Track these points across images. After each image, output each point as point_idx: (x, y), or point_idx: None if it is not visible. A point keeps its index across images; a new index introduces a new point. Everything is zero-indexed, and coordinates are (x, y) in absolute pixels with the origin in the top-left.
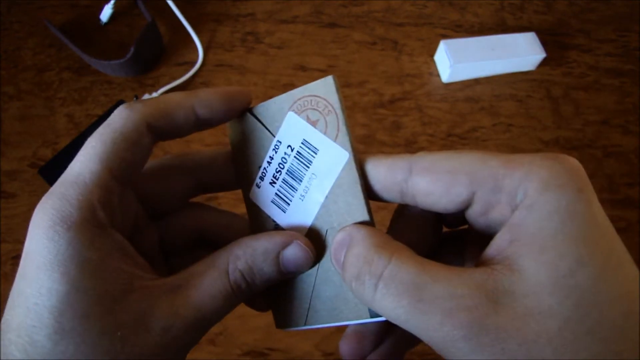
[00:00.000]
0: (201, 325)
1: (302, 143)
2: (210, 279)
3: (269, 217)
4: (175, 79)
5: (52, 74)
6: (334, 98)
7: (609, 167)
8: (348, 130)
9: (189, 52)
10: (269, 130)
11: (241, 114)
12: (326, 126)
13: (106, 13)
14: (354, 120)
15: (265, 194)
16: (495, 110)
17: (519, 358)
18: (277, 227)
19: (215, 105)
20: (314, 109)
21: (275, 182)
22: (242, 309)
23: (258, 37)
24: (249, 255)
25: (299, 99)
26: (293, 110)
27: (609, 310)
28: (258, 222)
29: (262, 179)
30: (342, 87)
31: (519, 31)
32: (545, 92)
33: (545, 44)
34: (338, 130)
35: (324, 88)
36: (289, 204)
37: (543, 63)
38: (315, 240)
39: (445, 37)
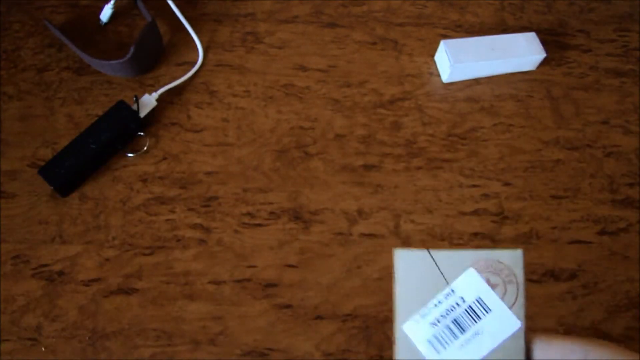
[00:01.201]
0: None
1: (476, 299)
2: None
3: (419, 351)
4: (175, 79)
5: (52, 74)
6: (519, 270)
7: (609, 167)
8: (525, 303)
9: (189, 52)
10: (443, 277)
11: (420, 253)
12: (504, 293)
13: (106, 13)
14: (354, 120)
15: (423, 331)
16: (496, 110)
17: None
18: None
19: None
20: (496, 274)
21: (437, 325)
22: (242, 308)
23: (258, 37)
24: None
25: (483, 260)
26: (474, 268)
27: None
28: (406, 350)
29: (423, 316)
30: (342, 87)
31: (519, 31)
32: (546, 92)
33: (545, 44)
34: (516, 300)
35: (512, 259)
36: (444, 349)
37: (543, 63)
38: None
39: (445, 37)
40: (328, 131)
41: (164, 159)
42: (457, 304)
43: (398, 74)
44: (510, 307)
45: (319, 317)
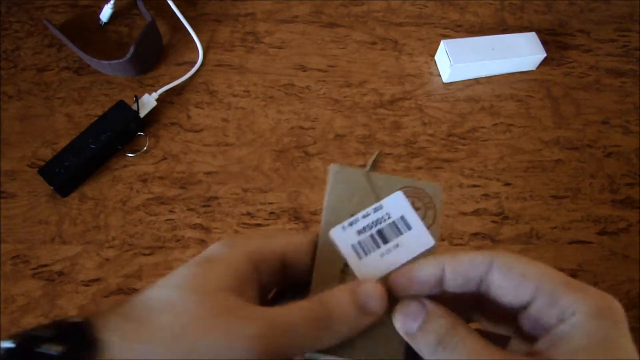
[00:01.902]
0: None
1: (400, 217)
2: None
3: (342, 256)
4: (175, 78)
5: (52, 73)
6: (438, 200)
7: (609, 167)
8: (439, 229)
9: (189, 52)
10: (375, 194)
11: (357, 172)
12: (424, 216)
13: (106, 13)
14: (354, 120)
15: (349, 237)
16: (496, 110)
17: None
18: (345, 266)
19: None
20: (419, 200)
21: (362, 233)
22: None
23: (258, 37)
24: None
25: (410, 187)
26: (402, 192)
27: None
28: (327, 255)
29: (351, 224)
30: (342, 87)
31: (519, 31)
32: (546, 92)
33: (545, 44)
34: (433, 223)
35: (433, 191)
36: (366, 255)
37: (543, 63)
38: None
39: (445, 37)
40: (328, 131)
41: (164, 159)
42: (383, 218)
43: (398, 74)
44: (428, 228)
45: None
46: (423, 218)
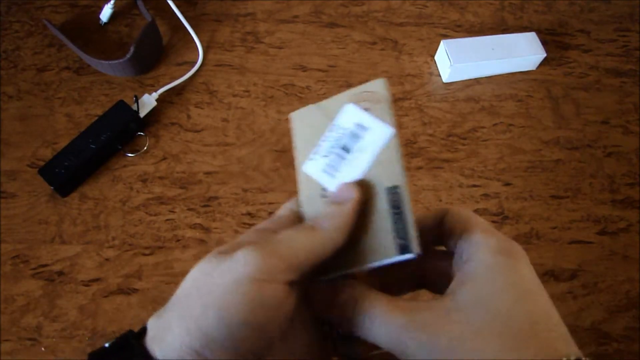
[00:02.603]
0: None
1: (355, 124)
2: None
3: (319, 184)
4: (175, 78)
5: (52, 73)
6: (384, 92)
7: (609, 167)
8: (394, 118)
9: (189, 52)
10: (329, 119)
11: (309, 109)
12: (377, 112)
13: (106, 13)
14: None
15: (318, 165)
16: (496, 110)
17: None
18: (323, 190)
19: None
20: (367, 101)
21: (328, 156)
22: None
23: (258, 37)
24: None
25: (355, 95)
26: (351, 103)
27: (518, 322)
28: (307, 189)
29: (315, 153)
30: (342, 87)
31: (519, 31)
32: (546, 92)
33: (545, 44)
34: (386, 112)
35: (376, 85)
36: (338, 171)
37: (543, 63)
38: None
39: (445, 37)
40: None
41: (164, 159)
42: (342, 134)
43: (398, 74)
44: (382, 121)
45: None
46: (376, 114)
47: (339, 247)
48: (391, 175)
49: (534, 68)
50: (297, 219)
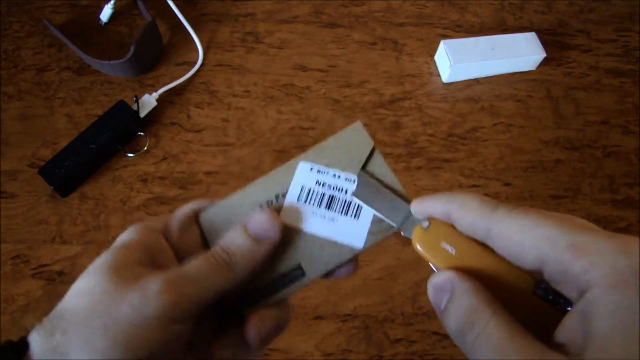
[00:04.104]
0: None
1: (359, 204)
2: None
3: (286, 186)
4: (175, 79)
5: (52, 73)
6: (403, 228)
7: (609, 167)
8: (377, 242)
9: (189, 52)
10: (362, 167)
11: (368, 141)
12: (378, 224)
13: (106, 13)
14: (354, 120)
15: (307, 178)
16: (496, 110)
17: None
18: (277, 197)
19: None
20: (383, 217)
21: (320, 186)
22: None
23: (258, 37)
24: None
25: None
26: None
27: None
28: (271, 183)
29: (319, 172)
30: (342, 87)
31: (519, 31)
32: (546, 92)
33: (545, 44)
34: (379, 234)
35: (402, 220)
36: (304, 203)
37: (543, 63)
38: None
39: (445, 37)
40: (328, 131)
41: (164, 159)
42: (345, 190)
43: (398, 74)
44: (369, 232)
45: (319, 317)
46: (374, 224)
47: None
48: (312, 264)
49: (533, 68)
50: (195, 223)
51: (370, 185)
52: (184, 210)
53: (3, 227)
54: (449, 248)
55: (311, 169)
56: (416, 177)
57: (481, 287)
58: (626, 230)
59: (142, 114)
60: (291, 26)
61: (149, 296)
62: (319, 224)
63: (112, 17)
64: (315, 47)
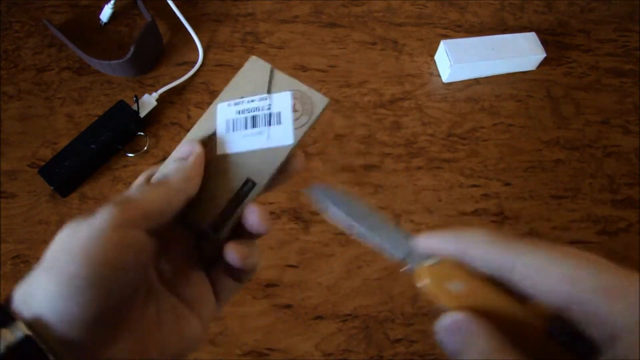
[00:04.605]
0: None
1: (277, 112)
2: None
3: (214, 126)
4: (175, 78)
5: (52, 73)
6: (317, 110)
7: (609, 167)
8: (305, 134)
9: (189, 52)
10: (269, 87)
11: (266, 66)
12: (298, 119)
13: (106, 13)
14: (354, 120)
15: (228, 113)
16: (496, 110)
17: None
18: (213, 135)
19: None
20: (302, 104)
21: (241, 113)
22: (242, 308)
23: (258, 37)
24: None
25: (300, 91)
26: (291, 93)
27: None
28: (205, 124)
29: (236, 104)
30: (342, 87)
31: (519, 31)
32: (546, 92)
33: (545, 44)
34: (303, 126)
35: (319, 101)
36: (233, 131)
37: (543, 63)
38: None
39: (445, 37)
40: (328, 131)
41: (164, 159)
42: (263, 107)
43: (398, 74)
44: (294, 129)
45: (319, 317)
46: (296, 120)
47: (191, 196)
48: (259, 173)
49: (533, 68)
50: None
51: (371, 217)
52: (140, 179)
53: (3, 227)
54: (458, 286)
55: (228, 104)
56: (416, 177)
57: (496, 328)
58: (626, 230)
59: (142, 114)
60: (291, 26)
61: (100, 213)
62: (251, 141)
63: (112, 17)
64: (315, 47)
